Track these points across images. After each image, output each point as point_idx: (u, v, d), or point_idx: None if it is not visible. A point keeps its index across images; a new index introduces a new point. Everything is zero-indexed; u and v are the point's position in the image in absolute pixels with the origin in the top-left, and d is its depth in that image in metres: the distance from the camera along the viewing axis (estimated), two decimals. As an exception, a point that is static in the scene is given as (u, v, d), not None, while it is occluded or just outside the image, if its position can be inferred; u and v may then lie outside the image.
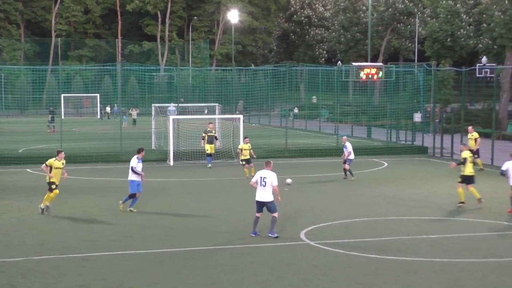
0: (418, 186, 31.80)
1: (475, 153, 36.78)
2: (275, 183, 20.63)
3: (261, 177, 20.66)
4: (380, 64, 56.20)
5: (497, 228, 23.17)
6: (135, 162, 25.08)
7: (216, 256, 18.95)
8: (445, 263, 18.36)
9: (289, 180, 30.35)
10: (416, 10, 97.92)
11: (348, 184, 32.49)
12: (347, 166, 33.78)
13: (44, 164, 24.87)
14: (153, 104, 48.69)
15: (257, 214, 20.91)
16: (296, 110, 69.82)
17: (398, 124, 51.68)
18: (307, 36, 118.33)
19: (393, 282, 16.63)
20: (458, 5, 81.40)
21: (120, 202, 25.37)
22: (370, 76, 47.83)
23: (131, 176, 25.10)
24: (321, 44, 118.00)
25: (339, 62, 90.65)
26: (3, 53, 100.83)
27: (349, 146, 34.02)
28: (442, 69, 64.67)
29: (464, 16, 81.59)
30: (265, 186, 20.50)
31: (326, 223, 20.28)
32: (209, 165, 39.20)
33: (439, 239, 21.35)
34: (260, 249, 19.93)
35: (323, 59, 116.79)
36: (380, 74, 48.06)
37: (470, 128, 38.87)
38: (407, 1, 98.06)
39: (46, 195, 24.68)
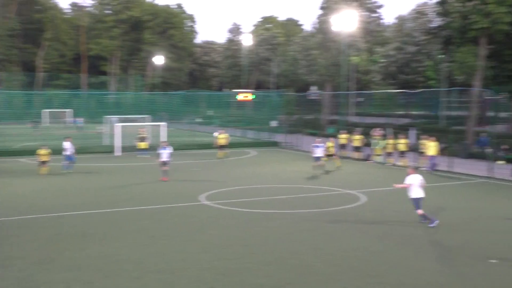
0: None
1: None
2: None
3: None
4: (251, 90, 56.54)
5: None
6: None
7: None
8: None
9: None
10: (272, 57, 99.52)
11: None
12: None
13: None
14: (104, 116, 46.84)
15: None
16: (198, 119, 68.75)
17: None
18: (205, 73, 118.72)
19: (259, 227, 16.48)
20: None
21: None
22: (244, 97, 48.52)
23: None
24: (214, 77, 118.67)
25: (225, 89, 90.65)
26: (6, 82, 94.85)
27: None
28: (288, 93, 65.79)
29: (300, 59, 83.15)
30: None
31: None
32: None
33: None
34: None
35: (214, 87, 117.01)
36: (251, 96, 48.92)
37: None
38: (267, 52, 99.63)
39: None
